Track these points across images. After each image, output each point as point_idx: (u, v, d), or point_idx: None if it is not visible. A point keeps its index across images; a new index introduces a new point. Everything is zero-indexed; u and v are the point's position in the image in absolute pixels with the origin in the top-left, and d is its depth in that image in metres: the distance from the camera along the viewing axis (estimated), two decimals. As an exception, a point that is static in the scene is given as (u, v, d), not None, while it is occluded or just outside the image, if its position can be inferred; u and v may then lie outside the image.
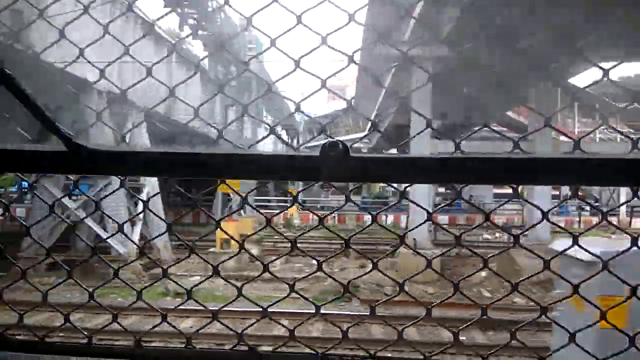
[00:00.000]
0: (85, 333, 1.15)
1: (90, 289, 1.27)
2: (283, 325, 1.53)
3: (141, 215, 15.57)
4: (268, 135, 1.30)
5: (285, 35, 1.23)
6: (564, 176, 1.11)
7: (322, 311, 1.24)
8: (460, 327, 1.31)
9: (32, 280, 1.30)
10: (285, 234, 1.56)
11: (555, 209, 1.72)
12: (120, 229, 1.35)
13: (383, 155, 1.14)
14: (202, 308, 1.35)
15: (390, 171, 1.14)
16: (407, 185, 1.31)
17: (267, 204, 30.78)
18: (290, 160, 1.14)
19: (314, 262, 1.29)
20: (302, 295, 1.29)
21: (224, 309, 1.45)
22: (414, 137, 12.61)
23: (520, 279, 1.28)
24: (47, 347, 1.17)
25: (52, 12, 1.43)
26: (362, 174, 1.17)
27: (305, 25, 1.20)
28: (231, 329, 1.29)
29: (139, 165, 1.16)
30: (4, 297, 1.24)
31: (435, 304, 1.36)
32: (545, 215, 1.21)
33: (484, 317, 1.32)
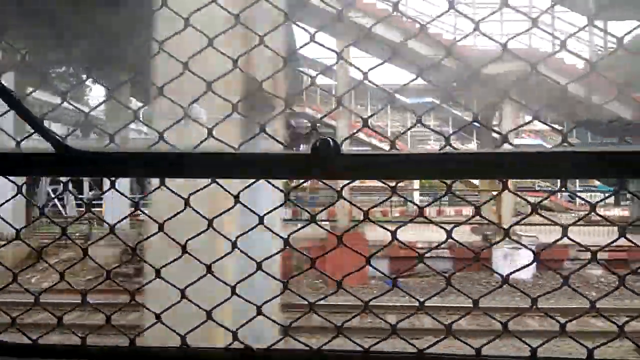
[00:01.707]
0: (79, 334, 1.15)
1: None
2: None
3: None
4: (259, 133, 1.30)
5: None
6: (554, 170, 1.12)
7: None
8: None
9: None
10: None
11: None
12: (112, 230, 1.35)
13: (374, 152, 1.15)
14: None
15: (382, 169, 1.15)
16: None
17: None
18: (281, 159, 1.15)
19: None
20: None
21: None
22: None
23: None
24: (41, 350, 1.17)
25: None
26: (353, 172, 1.17)
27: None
28: (227, 328, 1.30)
29: (126, 167, 1.16)
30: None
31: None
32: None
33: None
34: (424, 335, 8.48)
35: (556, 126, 7.17)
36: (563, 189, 1.22)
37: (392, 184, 1.29)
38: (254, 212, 1.20)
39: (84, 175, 1.18)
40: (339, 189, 1.31)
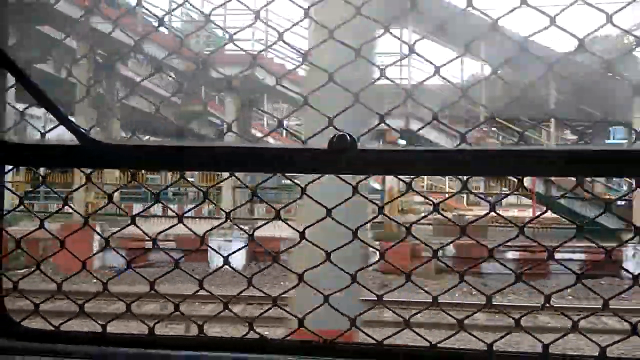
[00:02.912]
0: (100, 322, 1.19)
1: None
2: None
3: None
4: (277, 128, 1.32)
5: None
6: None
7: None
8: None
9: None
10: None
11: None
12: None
13: (390, 148, 1.16)
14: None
15: (398, 163, 1.16)
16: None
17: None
18: (297, 154, 1.16)
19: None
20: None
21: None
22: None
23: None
24: (62, 336, 1.20)
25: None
26: (370, 167, 1.18)
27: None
28: (241, 317, 1.32)
29: (149, 159, 1.19)
30: (19, 287, 1.28)
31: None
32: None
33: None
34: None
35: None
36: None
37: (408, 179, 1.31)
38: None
39: (107, 167, 1.22)
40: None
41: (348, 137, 1.12)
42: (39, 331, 1.21)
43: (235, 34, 1.34)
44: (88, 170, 1.27)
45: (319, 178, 1.23)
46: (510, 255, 12.61)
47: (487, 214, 1.27)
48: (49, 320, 1.20)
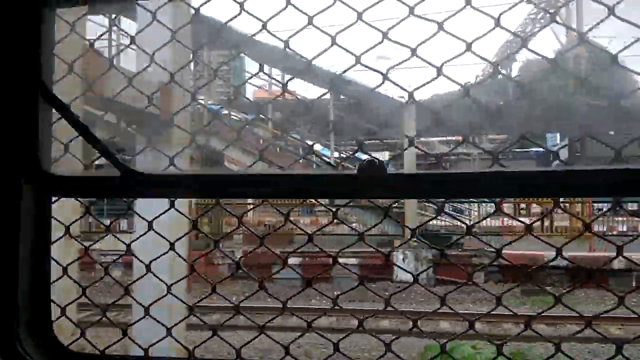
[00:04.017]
0: (142, 346, 1.23)
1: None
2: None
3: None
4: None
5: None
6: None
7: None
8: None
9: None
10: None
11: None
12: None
13: (419, 172, 1.17)
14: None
15: (427, 188, 1.17)
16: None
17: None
18: (328, 179, 1.19)
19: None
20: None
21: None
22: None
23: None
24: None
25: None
26: (400, 191, 1.20)
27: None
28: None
29: (187, 188, 1.24)
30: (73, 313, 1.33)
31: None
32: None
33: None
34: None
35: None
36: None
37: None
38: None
39: (146, 197, 1.27)
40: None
41: (377, 162, 1.14)
42: (86, 355, 1.26)
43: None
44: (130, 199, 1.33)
45: (350, 202, 1.25)
46: (296, 260, 13.41)
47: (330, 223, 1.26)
48: (94, 345, 1.25)
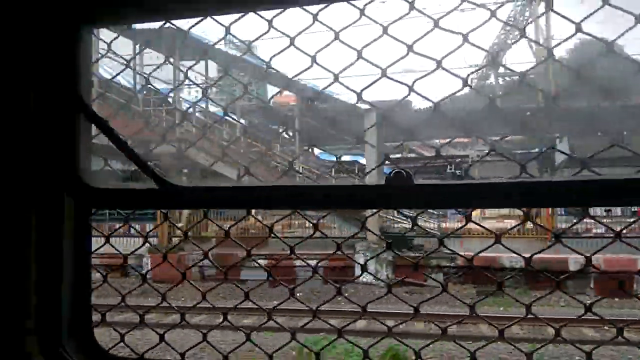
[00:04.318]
0: (178, 351, 1.27)
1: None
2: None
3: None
4: (334, 166, 1.39)
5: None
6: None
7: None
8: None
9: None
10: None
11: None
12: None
13: (445, 182, 1.20)
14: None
15: (455, 198, 1.19)
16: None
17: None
18: (357, 190, 1.23)
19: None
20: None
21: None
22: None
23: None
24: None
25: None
26: (427, 201, 1.23)
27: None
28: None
29: (222, 200, 1.29)
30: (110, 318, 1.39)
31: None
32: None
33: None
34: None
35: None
36: None
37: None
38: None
39: (182, 208, 1.32)
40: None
41: (404, 173, 1.17)
42: (125, 359, 1.32)
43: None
44: (165, 210, 1.39)
45: (377, 212, 1.29)
46: (262, 262, 13.94)
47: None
48: (133, 349, 1.30)
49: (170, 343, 1.29)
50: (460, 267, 14.23)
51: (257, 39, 1.44)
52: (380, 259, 14.86)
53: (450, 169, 25.12)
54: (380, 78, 1.26)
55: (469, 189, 1.19)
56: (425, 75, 1.28)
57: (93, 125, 1.41)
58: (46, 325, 1.32)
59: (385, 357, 7.21)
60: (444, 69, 1.21)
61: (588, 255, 1.20)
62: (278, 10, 1.35)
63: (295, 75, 1.38)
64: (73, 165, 1.35)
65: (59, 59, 1.37)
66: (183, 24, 1.53)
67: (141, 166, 1.32)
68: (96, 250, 1.38)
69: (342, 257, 13.10)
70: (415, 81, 1.28)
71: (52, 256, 1.33)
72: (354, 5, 1.29)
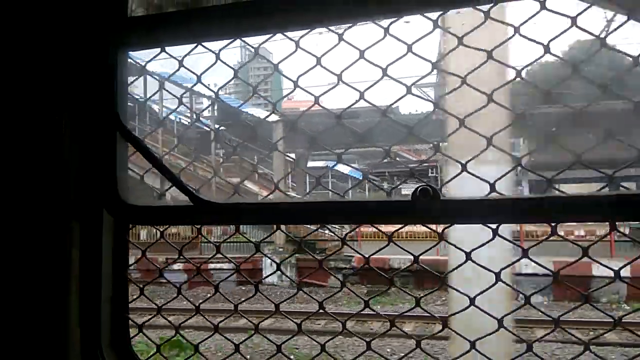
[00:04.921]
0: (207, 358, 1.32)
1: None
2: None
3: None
4: (361, 181, 1.42)
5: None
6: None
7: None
8: None
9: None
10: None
11: None
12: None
13: (473, 197, 1.21)
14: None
15: (483, 213, 1.21)
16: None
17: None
18: (385, 205, 1.25)
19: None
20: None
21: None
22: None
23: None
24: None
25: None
26: (453, 216, 1.24)
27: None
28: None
29: (252, 216, 1.33)
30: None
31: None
32: None
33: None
34: None
35: None
36: None
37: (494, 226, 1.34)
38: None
39: (216, 224, 1.36)
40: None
41: (431, 190, 1.20)
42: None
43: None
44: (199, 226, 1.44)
45: (404, 226, 1.31)
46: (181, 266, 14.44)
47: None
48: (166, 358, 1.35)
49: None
50: (357, 267, 15.83)
51: (285, 58, 1.48)
52: (284, 262, 15.41)
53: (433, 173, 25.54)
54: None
55: (494, 203, 1.20)
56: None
57: (129, 144, 1.47)
58: (86, 337, 1.38)
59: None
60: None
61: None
62: (305, 31, 1.40)
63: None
64: (111, 182, 1.41)
65: (97, 79, 1.44)
66: (213, 46, 1.59)
67: (176, 183, 1.38)
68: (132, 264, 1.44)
69: (251, 260, 14.98)
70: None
71: (91, 270, 1.39)
72: (379, 25, 1.32)
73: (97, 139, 1.44)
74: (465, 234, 1.35)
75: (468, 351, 1.26)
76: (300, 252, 15.77)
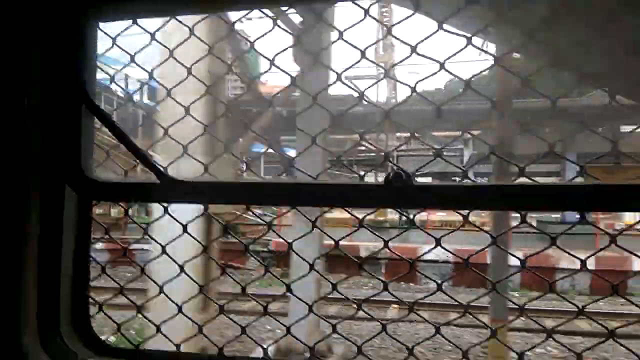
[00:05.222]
0: (174, 342, 1.29)
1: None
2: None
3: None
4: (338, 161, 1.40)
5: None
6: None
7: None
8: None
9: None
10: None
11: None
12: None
13: (445, 183, 1.21)
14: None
15: (453, 199, 1.20)
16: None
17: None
18: (356, 189, 1.23)
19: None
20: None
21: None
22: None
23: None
24: (141, 354, 1.31)
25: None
26: (425, 202, 1.23)
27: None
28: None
29: (220, 195, 1.30)
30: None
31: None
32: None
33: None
34: None
35: None
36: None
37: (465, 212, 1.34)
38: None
39: (183, 202, 1.33)
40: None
41: (403, 174, 1.18)
42: (121, 349, 1.33)
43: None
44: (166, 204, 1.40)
45: (375, 211, 1.30)
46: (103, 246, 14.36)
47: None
48: (129, 339, 1.31)
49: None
50: (275, 251, 16.31)
51: (262, 36, 1.45)
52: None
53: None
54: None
55: (466, 190, 1.20)
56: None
57: (96, 118, 1.42)
58: (45, 317, 1.33)
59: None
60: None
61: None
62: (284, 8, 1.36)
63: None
64: (75, 157, 1.36)
65: (63, 52, 1.38)
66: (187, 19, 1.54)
67: (142, 159, 1.33)
68: (96, 242, 1.40)
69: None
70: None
71: (51, 248, 1.34)
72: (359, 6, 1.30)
73: (62, 112, 1.38)
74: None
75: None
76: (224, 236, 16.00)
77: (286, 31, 1.46)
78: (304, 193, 1.25)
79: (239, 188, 1.29)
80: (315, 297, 6.72)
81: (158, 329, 1.34)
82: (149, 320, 1.39)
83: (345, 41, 1.27)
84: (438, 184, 1.20)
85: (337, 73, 1.38)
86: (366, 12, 1.29)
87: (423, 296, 1.36)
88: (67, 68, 1.38)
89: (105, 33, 1.46)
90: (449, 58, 1.23)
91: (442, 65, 1.22)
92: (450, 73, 1.24)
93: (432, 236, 1.27)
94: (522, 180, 1.17)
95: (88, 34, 1.41)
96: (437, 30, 1.22)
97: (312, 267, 1.29)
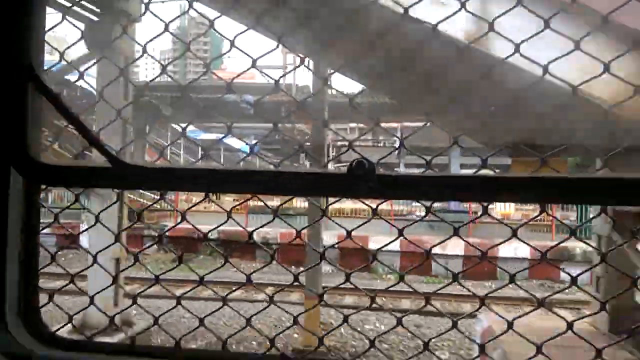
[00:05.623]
0: (129, 334, 1.24)
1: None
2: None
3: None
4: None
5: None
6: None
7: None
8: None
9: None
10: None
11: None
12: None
13: (409, 173, 1.19)
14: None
15: (417, 189, 1.19)
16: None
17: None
18: (317, 179, 1.21)
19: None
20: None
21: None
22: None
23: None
24: (94, 347, 1.27)
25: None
26: (388, 192, 1.22)
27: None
28: (264, 335, 1.38)
29: (180, 181, 1.25)
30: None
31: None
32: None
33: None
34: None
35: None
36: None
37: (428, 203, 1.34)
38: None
39: (135, 188, 1.28)
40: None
41: (366, 163, 1.16)
42: (73, 341, 1.28)
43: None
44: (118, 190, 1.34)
45: (337, 201, 1.28)
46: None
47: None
48: (82, 331, 1.26)
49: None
50: (170, 237, 16.96)
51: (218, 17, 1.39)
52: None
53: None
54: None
55: (429, 181, 1.19)
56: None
57: (44, 97, 1.33)
58: None
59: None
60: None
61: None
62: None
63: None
64: (20, 138, 1.28)
65: (8, 29, 1.28)
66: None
67: (93, 142, 1.26)
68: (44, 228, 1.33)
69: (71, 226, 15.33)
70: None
71: None
72: None
73: (6, 90, 1.29)
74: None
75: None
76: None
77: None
78: (264, 181, 1.21)
79: (200, 174, 1.24)
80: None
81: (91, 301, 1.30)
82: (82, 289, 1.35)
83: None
84: (402, 174, 1.19)
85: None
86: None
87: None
88: (12, 44, 1.29)
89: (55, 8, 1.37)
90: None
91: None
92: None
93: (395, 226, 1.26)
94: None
95: (35, 7, 1.31)
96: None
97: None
